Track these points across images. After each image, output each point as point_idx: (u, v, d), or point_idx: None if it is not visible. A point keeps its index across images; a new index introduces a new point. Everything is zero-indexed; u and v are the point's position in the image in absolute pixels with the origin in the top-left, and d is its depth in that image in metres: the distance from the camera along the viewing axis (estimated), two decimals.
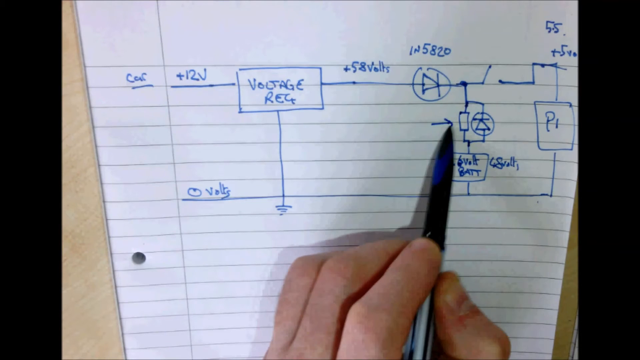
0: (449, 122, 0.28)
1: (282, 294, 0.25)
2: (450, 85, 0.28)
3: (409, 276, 0.23)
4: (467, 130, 0.28)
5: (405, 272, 0.23)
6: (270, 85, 0.27)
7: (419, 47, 0.27)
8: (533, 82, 0.28)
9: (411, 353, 0.23)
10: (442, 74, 0.27)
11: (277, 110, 0.28)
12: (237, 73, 0.27)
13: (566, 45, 0.27)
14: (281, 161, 0.28)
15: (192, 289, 0.30)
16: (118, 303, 0.30)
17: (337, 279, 0.23)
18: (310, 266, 0.25)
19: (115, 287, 0.30)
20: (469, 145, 0.28)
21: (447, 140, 0.28)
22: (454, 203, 0.29)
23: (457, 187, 0.29)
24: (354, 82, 0.27)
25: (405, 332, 0.22)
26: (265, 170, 0.28)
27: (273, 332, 0.25)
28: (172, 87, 0.27)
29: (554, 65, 0.28)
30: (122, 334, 0.30)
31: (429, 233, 0.26)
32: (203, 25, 0.26)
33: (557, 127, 0.28)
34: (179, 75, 0.27)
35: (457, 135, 0.28)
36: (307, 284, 0.24)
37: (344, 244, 0.29)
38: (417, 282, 0.23)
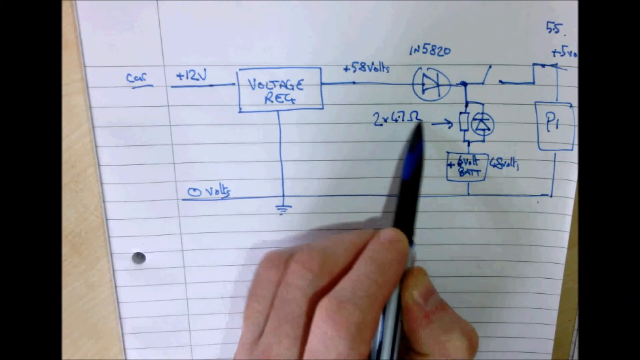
0: (449, 122, 0.28)
1: (251, 288, 0.25)
2: (450, 85, 0.28)
3: (377, 268, 0.23)
4: (467, 130, 0.28)
5: (374, 264, 0.23)
6: (270, 85, 0.27)
7: (418, 47, 0.27)
8: (533, 83, 0.28)
9: (380, 349, 0.23)
10: (442, 73, 0.27)
11: (277, 110, 0.28)
12: (237, 73, 0.27)
13: (566, 46, 0.27)
14: (281, 161, 0.28)
15: (192, 289, 0.30)
16: (118, 303, 0.30)
17: (304, 272, 0.23)
18: (279, 260, 0.25)
19: (115, 287, 0.30)
20: (469, 145, 0.28)
21: (418, 136, 0.27)
22: (455, 203, 0.29)
23: (457, 187, 0.29)
24: (354, 82, 0.27)
25: (373, 325, 0.22)
26: (265, 170, 0.28)
27: (242, 327, 0.25)
28: (172, 87, 0.27)
29: (555, 65, 0.28)
30: (122, 334, 0.30)
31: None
32: (203, 25, 0.26)
33: (557, 127, 0.28)
34: (179, 75, 0.27)
35: (457, 135, 0.28)
36: (275, 278, 0.24)
37: None
38: (386, 274, 0.23)
